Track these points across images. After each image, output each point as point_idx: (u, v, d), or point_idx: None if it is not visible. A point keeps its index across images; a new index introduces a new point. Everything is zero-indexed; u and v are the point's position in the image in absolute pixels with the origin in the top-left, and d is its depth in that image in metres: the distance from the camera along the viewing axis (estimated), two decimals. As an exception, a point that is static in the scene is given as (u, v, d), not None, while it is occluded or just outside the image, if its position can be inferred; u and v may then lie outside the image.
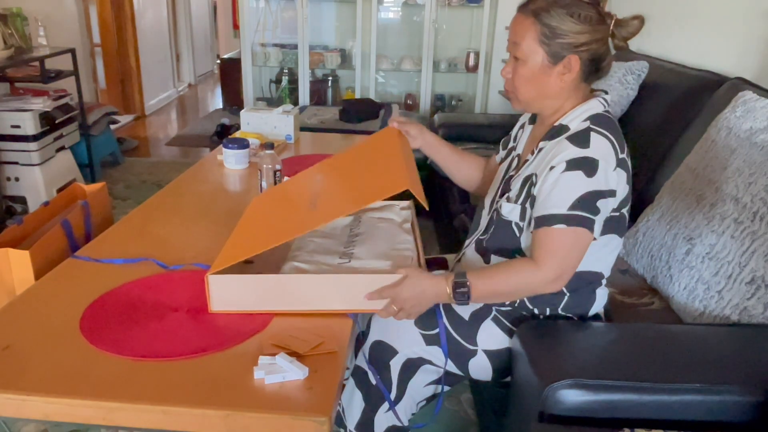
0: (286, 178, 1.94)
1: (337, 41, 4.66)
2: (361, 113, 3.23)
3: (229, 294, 1.23)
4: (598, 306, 1.43)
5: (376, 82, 4.51)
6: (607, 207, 1.27)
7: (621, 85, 2.50)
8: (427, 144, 1.60)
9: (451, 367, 1.44)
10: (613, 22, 1.32)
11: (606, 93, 1.38)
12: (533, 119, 1.48)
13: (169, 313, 1.23)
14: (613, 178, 1.25)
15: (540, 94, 1.34)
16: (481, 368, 1.43)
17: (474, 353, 1.42)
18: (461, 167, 1.66)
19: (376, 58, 4.42)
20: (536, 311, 1.40)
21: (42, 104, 3.47)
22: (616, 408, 1.16)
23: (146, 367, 1.08)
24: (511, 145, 1.57)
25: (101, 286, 1.33)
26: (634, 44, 2.96)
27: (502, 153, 1.61)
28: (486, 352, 1.41)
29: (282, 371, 1.06)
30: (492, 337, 1.41)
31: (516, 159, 1.48)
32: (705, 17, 2.54)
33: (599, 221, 1.26)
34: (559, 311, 1.40)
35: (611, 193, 1.26)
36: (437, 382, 1.48)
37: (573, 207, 1.23)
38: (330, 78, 4.58)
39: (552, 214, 1.25)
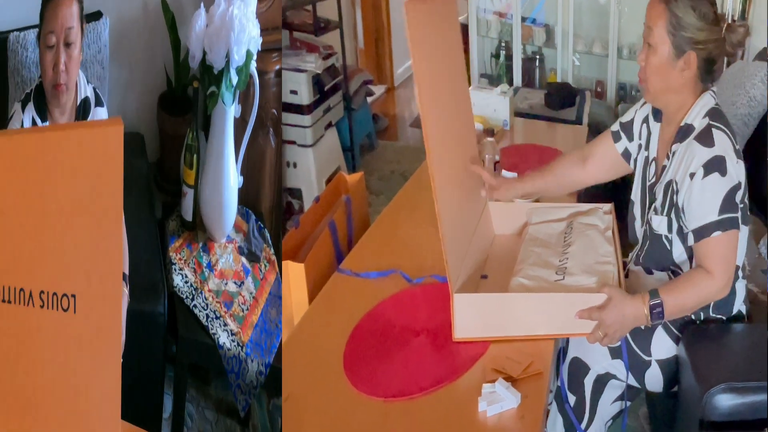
0: (504, 171, 1.96)
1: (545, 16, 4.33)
2: (564, 99, 3.12)
3: (471, 317, 1.30)
4: (739, 302, 1.40)
5: (573, 64, 4.17)
6: (741, 199, 1.31)
7: (763, 84, 2.34)
8: (515, 192, 1.68)
9: (631, 380, 1.46)
10: (725, 26, 1.28)
11: (711, 84, 1.38)
12: (656, 116, 1.46)
13: (412, 339, 1.36)
14: (738, 169, 1.30)
15: (666, 87, 1.36)
16: (655, 379, 1.45)
17: (649, 364, 1.43)
18: (563, 183, 1.68)
19: (573, 39, 4.06)
20: (692, 316, 1.40)
21: (314, 64, 3.48)
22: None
23: (394, 409, 1.17)
24: (637, 141, 1.53)
25: (361, 307, 1.47)
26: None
27: (626, 143, 1.55)
28: (658, 362, 1.42)
29: (500, 400, 1.15)
30: (663, 346, 1.42)
31: (653, 164, 1.46)
32: None
33: (741, 215, 1.30)
34: (710, 314, 1.40)
35: (740, 185, 1.30)
36: (620, 398, 1.50)
37: (721, 211, 1.27)
38: (537, 57, 4.39)
39: (707, 224, 1.28)
